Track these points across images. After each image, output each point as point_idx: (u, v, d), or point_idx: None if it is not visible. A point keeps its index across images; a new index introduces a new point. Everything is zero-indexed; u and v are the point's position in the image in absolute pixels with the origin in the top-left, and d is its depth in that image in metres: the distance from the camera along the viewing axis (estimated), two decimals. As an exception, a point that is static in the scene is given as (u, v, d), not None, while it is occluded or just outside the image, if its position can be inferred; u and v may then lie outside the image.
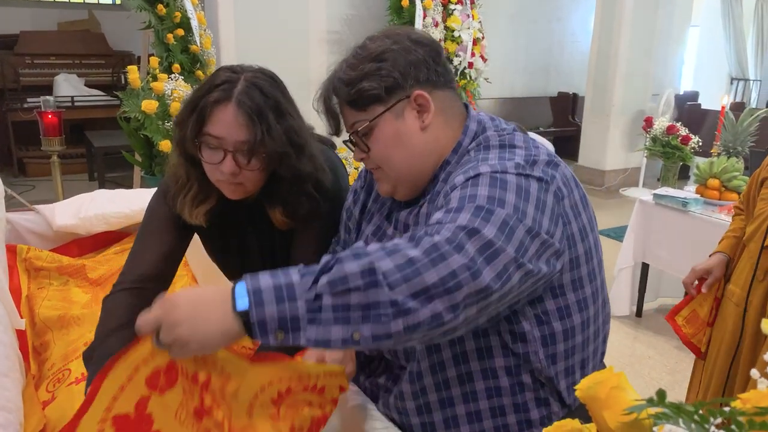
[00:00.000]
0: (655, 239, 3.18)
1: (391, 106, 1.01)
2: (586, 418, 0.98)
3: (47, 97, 2.80)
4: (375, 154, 1.05)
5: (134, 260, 1.29)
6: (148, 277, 1.25)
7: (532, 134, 1.08)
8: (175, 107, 2.88)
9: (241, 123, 1.11)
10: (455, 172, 0.98)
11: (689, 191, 3.21)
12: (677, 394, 2.55)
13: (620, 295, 3.27)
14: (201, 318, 0.74)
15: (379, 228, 1.16)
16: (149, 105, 2.87)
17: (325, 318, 0.73)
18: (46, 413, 1.25)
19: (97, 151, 5.16)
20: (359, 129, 1.04)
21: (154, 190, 2.44)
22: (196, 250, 1.47)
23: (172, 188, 1.27)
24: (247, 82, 1.12)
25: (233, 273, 1.47)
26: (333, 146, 1.46)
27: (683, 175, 4.03)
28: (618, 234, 4.34)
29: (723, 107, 3.42)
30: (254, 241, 1.36)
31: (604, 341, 1.05)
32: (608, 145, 6.28)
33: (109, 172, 5.33)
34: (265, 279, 0.75)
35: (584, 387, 0.58)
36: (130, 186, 3.81)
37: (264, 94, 1.12)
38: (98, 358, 1.15)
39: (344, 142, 1.10)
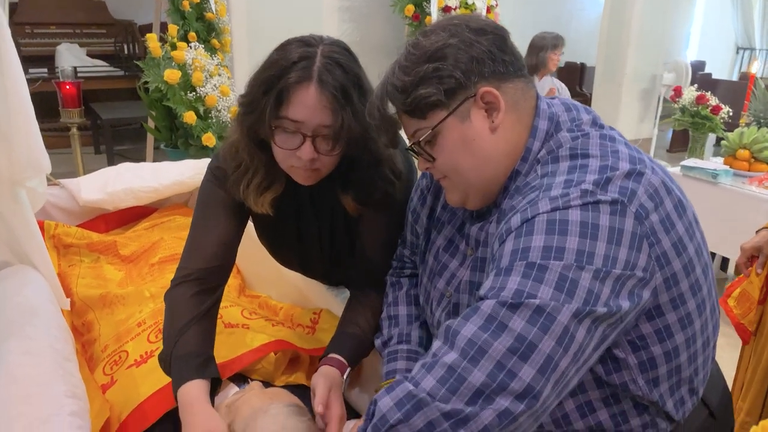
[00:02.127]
0: (682, 211, 3.13)
1: (454, 109, 0.90)
2: (693, 430, 0.93)
3: (65, 67, 2.70)
4: (441, 163, 0.95)
5: (192, 251, 1.21)
6: (209, 269, 1.19)
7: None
8: (198, 77, 2.79)
9: (325, 105, 1.00)
10: (517, 196, 0.89)
11: (717, 162, 3.16)
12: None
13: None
14: None
15: (451, 242, 1.07)
16: (172, 75, 2.77)
17: None
18: (108, 397, 1.21)
19: (105, 123, 5.05)
20: (421, 139, 0.94)
21: (181, 163, 2.42)
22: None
23: (231, 173, 1.17)
24: (325, 57, 1.01)
25: (286, 259, 1.42)
26: None
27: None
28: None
29: (752, 76, 3.35)
30: (314, 227, 1.29)
31: (714, 347, 0.96)
32: (620, 115, 6.20)
33: (117, 145, 5.24)
34: None
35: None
36: (141, 159, 3.73)
37: (345, 70, 1.02)
38: (177, 360, 1.11)
39: (406, 149, 1.00)
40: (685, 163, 3.14)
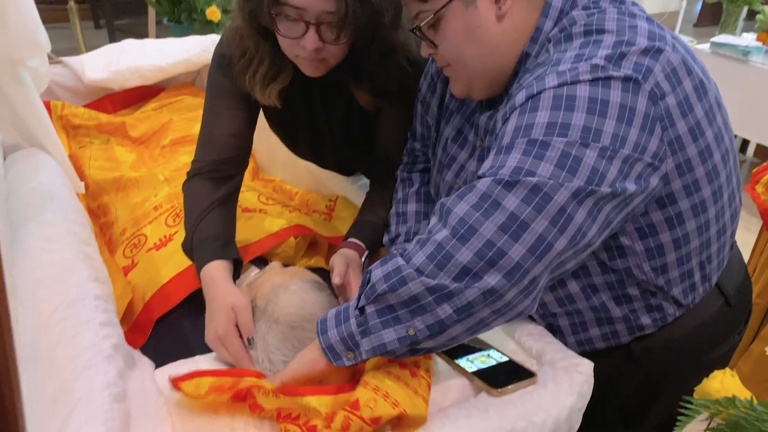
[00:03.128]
0: (707, 91, 3.01)
1: None
2: (705, 316, 0.92)
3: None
4: (443, 50, 0.90)
5: (204, 144, 1.19)
6: (223, 160, 1.17)
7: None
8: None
9: None
10: (528, 74, 0.82)
11: (749, 39, 2.99)
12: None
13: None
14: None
15: (460, 133, 1.02)
16: (171, -59, 2.57)
17: (373, 325, 0.76)
18: (129, 279, 1.23)
19: (104, -4, 4.80)
20: (423, 23, 0.87)
21: (186, 40, 2.31)
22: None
23: (236, 62, 1.11)
24: None
25: (300, 151, 1.38)
26: None
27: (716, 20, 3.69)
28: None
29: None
30: (325, 120, 1.24)
31: (733, 235, 0.93)
32: (646, -14, 5.83)
33: (117, 19, 5.01)
34: (334, 309, 0.82)
35: None
36: (144, 35, 3.58)
37: None
38: (198, 245, 1.11)
39: (410, 30, 0.93)
40: (715, 39, 2.97)
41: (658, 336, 0.91)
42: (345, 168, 1.42)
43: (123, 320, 1.11)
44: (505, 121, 0.79)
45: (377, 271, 0.77)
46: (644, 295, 0.89)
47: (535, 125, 0.74)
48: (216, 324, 0.98)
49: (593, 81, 0.74)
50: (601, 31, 0.79)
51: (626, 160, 0.73)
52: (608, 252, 0.85)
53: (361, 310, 0.77)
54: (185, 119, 2.03)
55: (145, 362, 0.98)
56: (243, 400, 0.79)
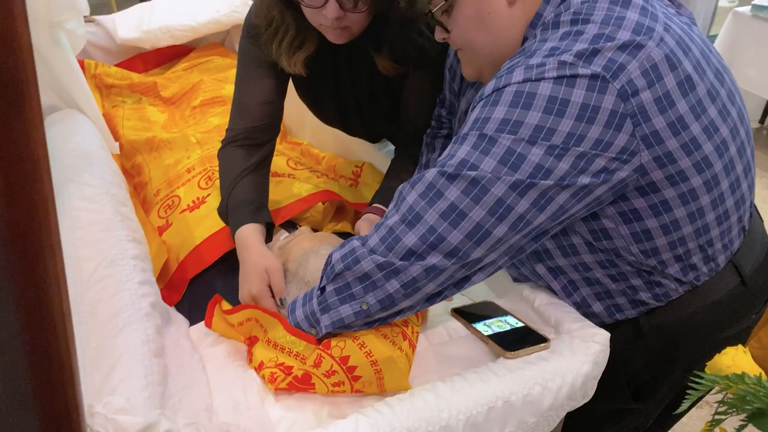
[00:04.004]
0: (746, 57, 2.93)
1: None
2: (718, 295, 0.90)
3: None
4: (455, 36, 0.91)
5: (237, 112, 1.23)
6: (255, 128, 1.21)
7: None
8: None
9: None
10: (509, 61, 0.83)
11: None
12: None
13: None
14: None
15: (473, 108, 1.04)
16: None
17: (332, 302, 0.84)
18: (164, 239, 1.28)
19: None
20: (435, 8, 0.88)
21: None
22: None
23: (263, 31, 1.14)
24: None
25: (327, 118, 1.40)
26: None
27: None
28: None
29: None
30: (351, 88, 1.26)
31: (743, 218, 0.92)
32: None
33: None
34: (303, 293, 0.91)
35: None
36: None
37: None
38: (232, 208, 1.16)
39: (424, 15, 0.93)
40: (757, 1, 2.87)
41: (667, 312, 0.92)
42: (371, 135, 1.44)
43: (158, 278, 1.16)
44: (472, 109, 0.82)
45: (336, 254, 0.84)
46: (639, 272, 0.91)
47: (490, 119, 0.77)
48: (250, 284, 1.03)
49: (558, 78, 0.75)
50: (587, 21, 0.79)
51: (581, 156, 0.75)
52: (593, 234, 0.88)
53: (322, 289, 0.85)
54: (215, 80, 2.06)
55: (180, 319, 1.03)
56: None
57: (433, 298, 0.85)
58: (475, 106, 0.82)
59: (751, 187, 0.93)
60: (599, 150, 0.75)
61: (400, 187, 0.84)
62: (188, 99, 2.03)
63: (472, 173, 0.76)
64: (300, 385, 0.83)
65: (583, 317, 0.93)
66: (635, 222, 0.85)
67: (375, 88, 1.24)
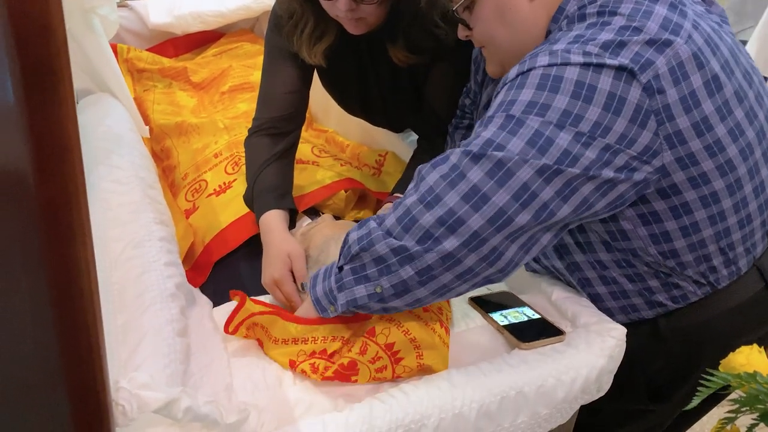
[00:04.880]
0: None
1: None
2: (741, 299, 0.89)
3: None
4: (477, 33, 0.91)
5: (263, 102, 1.25)
6: (280, 117, 1.23)
7: None
8: None
9: None
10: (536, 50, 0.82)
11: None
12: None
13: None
14: None
15: (491, 101, 1.02)
16: None
17: (347, 282, 0.82)
18: (191, 222, 1.31)
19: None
20: (457, 5, 0.88)
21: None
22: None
23: (286, 24, 1.16)
24: None
25: (351, 107, 1.41)
26: None
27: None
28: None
29: None
30: (374, 78, 1.27)
31: (764, 223, 0.90)
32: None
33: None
34: (324, 266, 0.88)
35: None
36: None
37: None
38: (257, 195, 1.18)
39: (448, 13, 0.94)
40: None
41: (686, 315, 0.91)
42: (394, 125, 1.45)
43: (184, 260, 1.20)
44: (497, 95, 0.81)
45: (353, 234, 0.83)
46: (657, 273, 0.89)
47: (517, 102, 0.76)
48: (272, 269, 1.06)
49: (584, 65, 0.74)
50: (614, 14, 0.78)
51: (607, 148, 0.74)
52: (610, 234, 0.87)
53: (340, 268, 0.84)
54: (244, 66, 2.08)
55: (204, 301, 1.06)
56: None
57: (449, 291, 0.81)
58: (499, 92, 0.81)
59: None
60: (623, 145, 0.74)
61: (420, 166, 0.82)
62: (217, 84, 2.06)
63: (499, 154, 0.73)
64: (345, 372, 0.83)
65: (600, 312, 0.93)
66: (654, 224, 0.84)
67: (397, 79, 1.25)
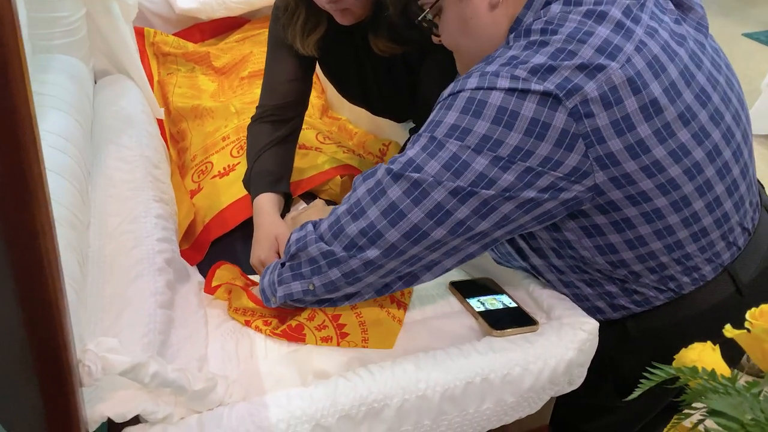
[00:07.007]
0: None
1: None
2: (710, 303, 0.87)
3: None
4: (444, 39, 0.92)
5: (266, 90, 1.30)
6: (282, 105, 1.27)
7: None
8: None
9: None
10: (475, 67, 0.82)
11: None
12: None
13: (764, 113, 2.95)
14: None
15: (433, 108, 1.05)
16: None
17: (285, 277, 0.89)
18: (194, 202, 1.36)
19: None
20: (426, 11, 0.90)
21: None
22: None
23: (282, 16, 1.21)
24: None
25: (351, 96, 1.44)
26: None
27: None
28: (769, 39, 3.82)
29: None
30: (369, 65, 1.29)
31: (734, 230, 0.88)
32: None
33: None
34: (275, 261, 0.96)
35: None
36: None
37: None
38: (254, 177, 1.23)
39: (418, 21, 0.94)
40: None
41: (655, 317, 0.91)
42: (394, 114, 1.47)
43: (184, 239, 1.24)
44: (432, 109, 0.83)
45: (294, 234, 0.90)
46: (612, 280, 0.89)
47: (442, 123, 0.78)
48: (260, 250, 1.10)
49: (509, 90, 0.75)
50: (555, 32, 0.78)
51: (528, 171, 0.75)
52: (556, 242, 0.89)
53: (282, 264, 0.91)
54: (264, 52, 2.11)
55: (197, 278, 1.10)
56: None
57: (381, 290, 0.88)
58: (434, 108, 0.83)
59: (742, 200, 0.89)
60: (548, 168, 0.75)
61: (356, 176, 0.86)
62: (238, 70, 2.10)
63: (415, 175, 0.77)
64: (292, 333, 0.90)
65: (576, 305, 0.94)
66: (598, 236, 0.84)
67: (393, 69, 1.27)
